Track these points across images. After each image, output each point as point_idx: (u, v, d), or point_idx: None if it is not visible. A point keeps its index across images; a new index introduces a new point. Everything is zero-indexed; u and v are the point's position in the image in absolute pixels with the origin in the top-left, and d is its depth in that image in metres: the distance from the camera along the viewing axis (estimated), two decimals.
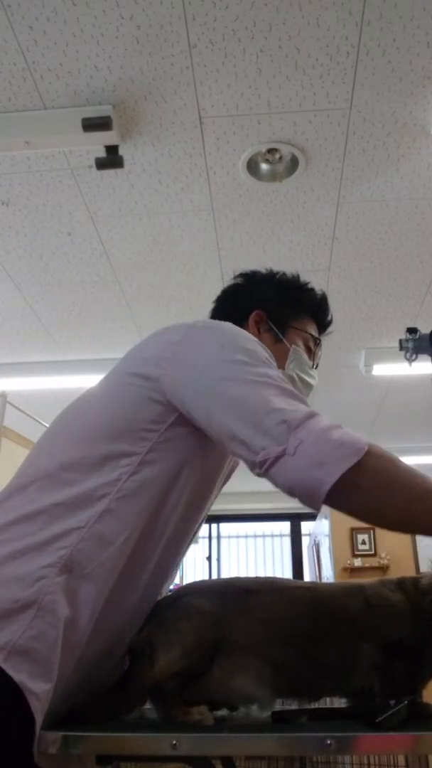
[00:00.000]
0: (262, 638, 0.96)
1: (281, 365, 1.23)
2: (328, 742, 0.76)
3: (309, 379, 1.28)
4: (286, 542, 7.54)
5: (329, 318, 1.40)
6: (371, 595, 1.00)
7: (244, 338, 1.04)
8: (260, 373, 0.96)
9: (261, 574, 7.27)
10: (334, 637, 0.97)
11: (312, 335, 1.33)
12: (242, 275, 1.39)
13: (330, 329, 1.41)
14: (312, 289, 1.37)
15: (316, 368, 1.34)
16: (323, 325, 1.39)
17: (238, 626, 0.95)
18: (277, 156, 2.49)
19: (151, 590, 1.02)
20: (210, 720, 0.91)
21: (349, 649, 0.96)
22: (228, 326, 1.07)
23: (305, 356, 1.29)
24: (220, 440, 0.97)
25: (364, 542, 4.89)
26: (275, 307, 1.30)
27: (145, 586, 0.99)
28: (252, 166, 2.54)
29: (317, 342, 1.34)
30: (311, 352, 1.32)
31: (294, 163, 2.52)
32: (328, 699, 1.05)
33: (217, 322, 1.10)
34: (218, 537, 7.51)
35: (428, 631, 0.96)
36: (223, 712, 0.99)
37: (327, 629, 0.98)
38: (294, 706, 0.99)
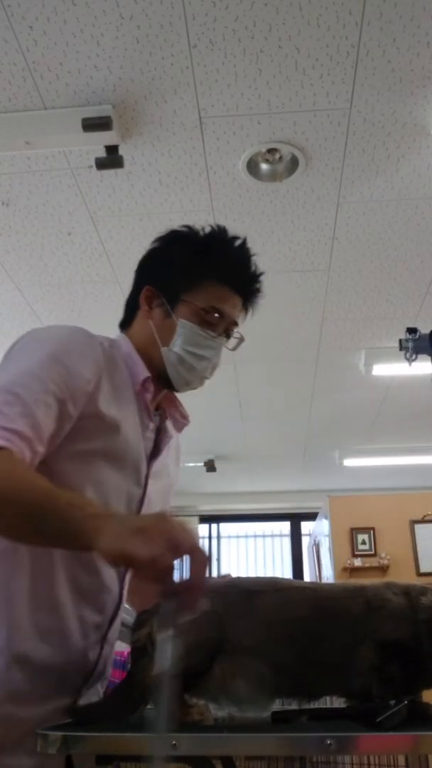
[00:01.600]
0: (264, 639, 0.96)
1: (167, 342, 1.18)
2: (328, 742, 0.76)
3: (201, 351, 1.18)
4: (286, 542, 7.54)
5: (248, 275, 1.25)
6: (372, 597, 1.00)
7: (24, 343, 1.06)
8: None
9: (261, 574, 7.27)
10: (335, 637, 0.97)
11: (207, 308, 1.18)
12: (159, 238, 1.30)
13: (258, 285, 1.27)
14: (222, 248, 1.23)
15: (228, 336, 1.23)
16: (240, 286, 1.23)
17: (240, 627, 0.96)
18: (277, 156, 2.49)
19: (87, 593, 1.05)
20: (210, 720, 0.91)
21: (349, 650, 0.96)
22: (32, 334, 1.10)
23: (196, 329, 1.18)
24: None
25: (364, 542, 4.89)
26: (172, 277, 1.21)
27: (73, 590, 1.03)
28: (252, 166, 2.54)
29: (219, 311, 1.19)
30: (212, 323, 1.19)
31: (294, 163, 2.52)
32: (328, 699, 1.05)
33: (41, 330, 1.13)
34: (218, 537, 7.50)
35: (427, 638, 0.96)
36: (223, 712, 0.99)
37: (328, 630, 0.98)
38: (294, 706, 0.99)
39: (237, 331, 1.26)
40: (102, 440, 1.06)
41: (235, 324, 1.24)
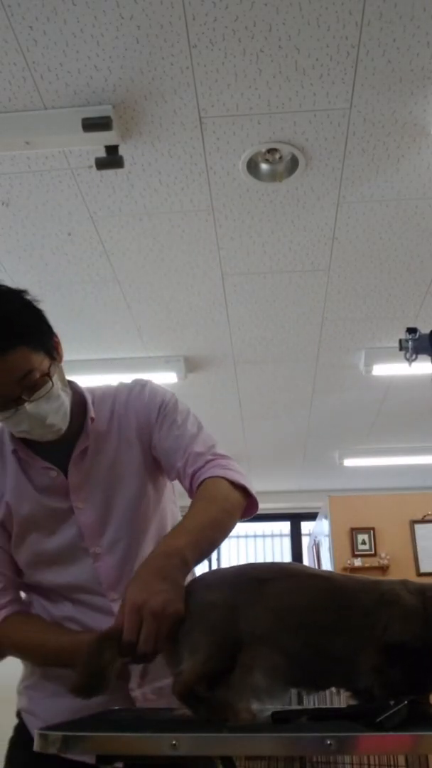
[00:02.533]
0: (274, 627, 0.95)
1: None
2: (328, 742, 0.76)
3: (14, 429, 1.21)
4: (286, 542, 7.54)
5: None
6: (386, 592, 1.00)
7: None
8: None
9: None
10: (344, 630, 0.97)
11: None
12: None
13: (19, 329, 1.17)
14: None
15: (35, 388, 1.16)
16: None
17: (252, 616, 0.95)
18: (277, 156, 2.49)
19: None
20: (256, 719, 0.91)
21: (356, 645, 0.96)
22: None
23: None
24: None
25: (364, 542, 4.89)
26: None
27: None
28: (252, 166, 2.54)
29: None
30: None
31: (294, 163, 2.52)
32: (327, 699, 1.05)
33: None
34: None
35: None
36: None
37: (337, 621, 0.97)
38: (296, 706, 0.99)
39: (42, 373, 1.17)
40: (13, 524, 1.26)
41: (29, 373, 1.14)
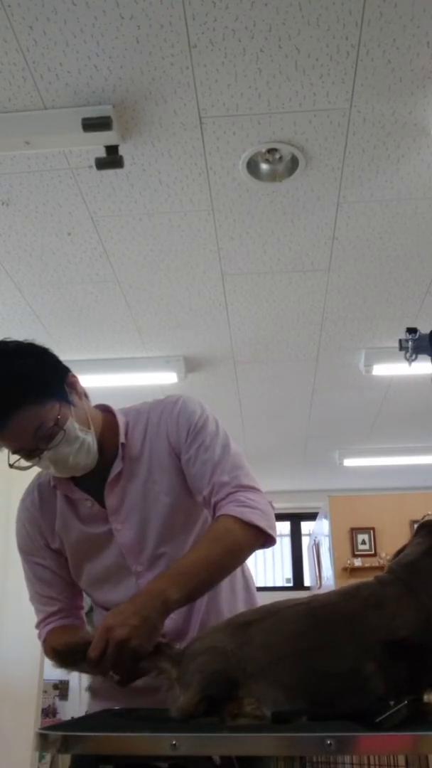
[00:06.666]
0: (268, 662, 0.97)
1: None
2: (328, 742, 0.76)
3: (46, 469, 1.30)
4: (286, 542, 7.54)
5: None
6: (369, 596, 1.00)
7: None
8: None
9: (261, 574, 7.28)
10: (336, 644, 0.97)
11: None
12: None
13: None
14: None
15: (48, 438, 1.22)
16: None
17: (243, 657, 0.98)
18: (277, 156, 2.49)
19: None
20: (261, 710, 0.93)
21: (354, 654, 0.96)
22: None
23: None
24: None
25: (364, 542, 4.89)
26: None
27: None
28: (252, 166, 2.54)
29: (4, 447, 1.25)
30: (17, 456, 1.25)
31: (294, 163, 2.52)
32: None
33: None
34: None
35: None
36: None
37: (327, 638, 0.98)
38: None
39: (54, 422, 1.21)
40: (68, 552, 1.37)
41: (40, 426, 1.19)
